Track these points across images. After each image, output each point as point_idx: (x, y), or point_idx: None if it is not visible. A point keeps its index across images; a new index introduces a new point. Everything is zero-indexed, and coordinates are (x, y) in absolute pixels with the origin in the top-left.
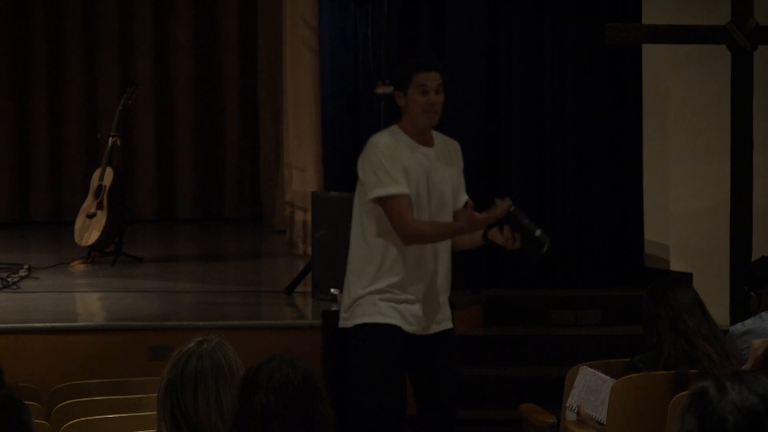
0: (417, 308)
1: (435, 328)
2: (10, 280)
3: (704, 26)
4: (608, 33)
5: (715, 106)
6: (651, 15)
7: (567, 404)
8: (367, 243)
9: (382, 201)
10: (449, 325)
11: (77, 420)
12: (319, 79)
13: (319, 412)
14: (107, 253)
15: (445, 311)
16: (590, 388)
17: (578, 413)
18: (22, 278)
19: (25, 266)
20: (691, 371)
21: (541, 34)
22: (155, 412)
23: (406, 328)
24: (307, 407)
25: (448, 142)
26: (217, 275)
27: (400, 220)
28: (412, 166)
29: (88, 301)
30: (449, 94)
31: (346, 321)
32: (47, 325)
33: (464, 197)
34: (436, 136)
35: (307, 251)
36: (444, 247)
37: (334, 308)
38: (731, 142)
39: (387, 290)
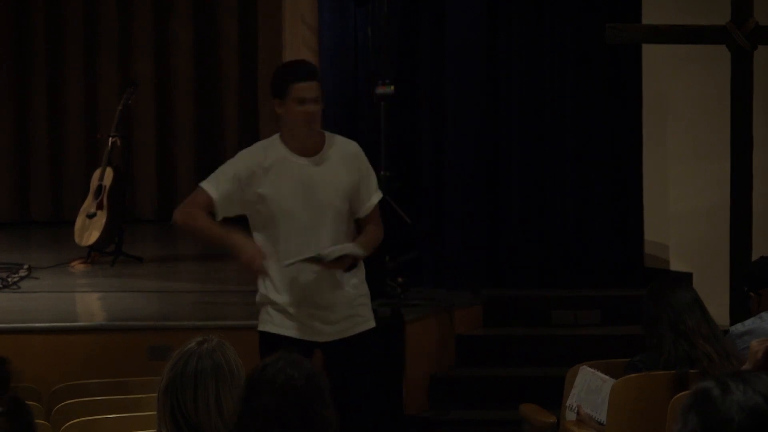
0: (296, 314)
1: (338, 334)
2: (10, 280)
3: (704, 26)
4: (608, 33)
5: (715, 106)
6: (651, 15)
7: (567, 404)
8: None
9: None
10: (359, 328)
11: (77, 420)
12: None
13: (321, 414)
14: (107, 253)
15: (348, 313)
16: (590, 388)
17: (578, 413)
18: (22, 278)
19: (25, 266)
20: (691, 371)
21: (541, 34)
22: (155, 412)
23: (291, 333)
24: (310, 408)
25: (345, 146)
26: (217, 275)
27: (182, 204)
28: (281, 178)
29: (88, 301)
30: (449, 94)
31: None
32: (47, 325)
33: (373, 201)
34: (332, 140)
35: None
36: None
37: None
38: (731, 142)
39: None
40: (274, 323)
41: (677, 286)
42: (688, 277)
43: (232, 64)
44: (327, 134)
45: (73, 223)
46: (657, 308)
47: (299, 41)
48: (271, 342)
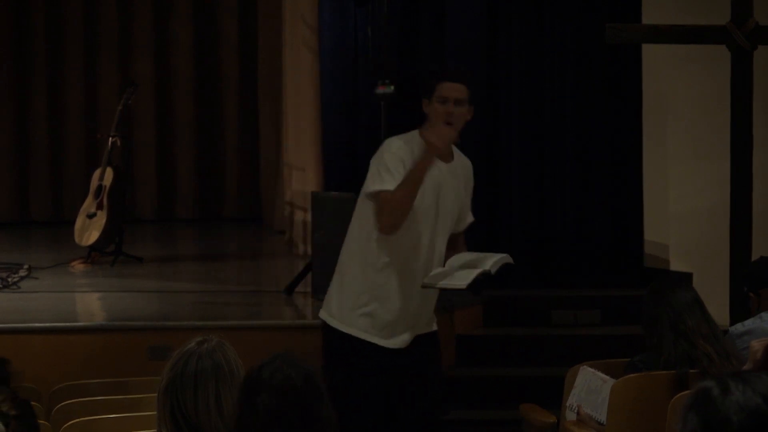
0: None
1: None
2: (10, 280)
3: (704, 26)
4: (608, 33)
5: (715, 106)
6: (651, 15)
7: (567, 404)
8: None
9: (375, 195)
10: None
11: (77, 420)
12: (319, 79)
13: (320, 413)
14: (107, 253)
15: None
16: (590, 388)
17: (578, 413)
18: (22, 278)
19: (25, 266)
20: (691, 371)
21: (541, 34)
22: (155, 412)
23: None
24: (308, 408)
25: (463, 160)
26: (217, 275)
27: (380, 215)
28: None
29: (88, 301)
30: None
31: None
32: (47, 325)
33: (470, 217)
34: (456, 153)
35: (307, 251)
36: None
37: None
38: (731, 142)
39: None
40: (368, 331)
41: (677, 286)
42: (688, 277)
43: (232, 64)
44: (452, 146)
45: (73, 223)
46: (657, 308)
47: (299, 41)
48: (355, 346)
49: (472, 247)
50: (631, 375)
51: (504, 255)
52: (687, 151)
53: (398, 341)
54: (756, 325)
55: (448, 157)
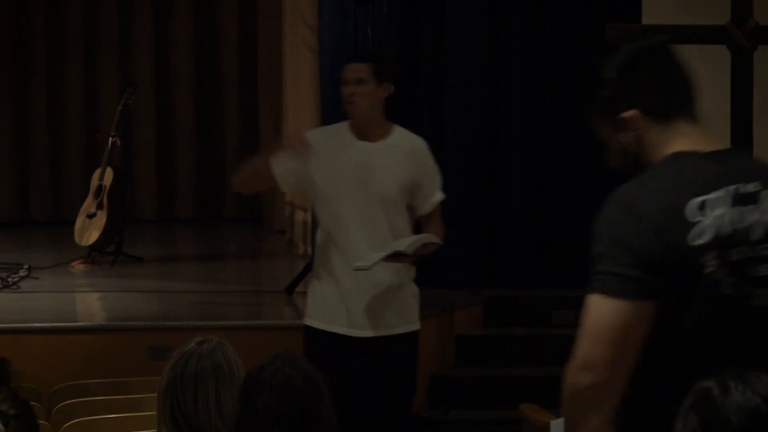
0: (348, 307)
1: (386, 331)
2: (10, 280)
3: (704, 26)
4: (608, 33)
5: (715, 106)
6: (651, 15)
7: None
8: None
9: None
10: (406, 328)
11: (77, 420)
12: (319, 79)
13: (320, 413)
14: (107, 253)
15: (398, 310)
16: None
17: None
18: (22, 278)
19: (25, 266)
20: None
21: (541, 34)
22: (155, 412)
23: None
24: (308, 408)
25: (412, 141)
26: (217, 275)
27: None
28: (339, 159)
29: (88, 301)
30: (449, 94)
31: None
32: (47, 325)
33: (435, 198)
34: (399, 133)
35: (307, 251)
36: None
37: None
38: (731, 142)
39: None
40: (324, 319)
41: None
42: None
43: (232, 64)
44: (397, 127)
45: (73, 223)
46: None
47: (299, 41)
48: (314, 338)
49: (472, 247)
50: None
51: (426, 235)
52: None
53: (343, 326)
54: None
55: (373, 136)
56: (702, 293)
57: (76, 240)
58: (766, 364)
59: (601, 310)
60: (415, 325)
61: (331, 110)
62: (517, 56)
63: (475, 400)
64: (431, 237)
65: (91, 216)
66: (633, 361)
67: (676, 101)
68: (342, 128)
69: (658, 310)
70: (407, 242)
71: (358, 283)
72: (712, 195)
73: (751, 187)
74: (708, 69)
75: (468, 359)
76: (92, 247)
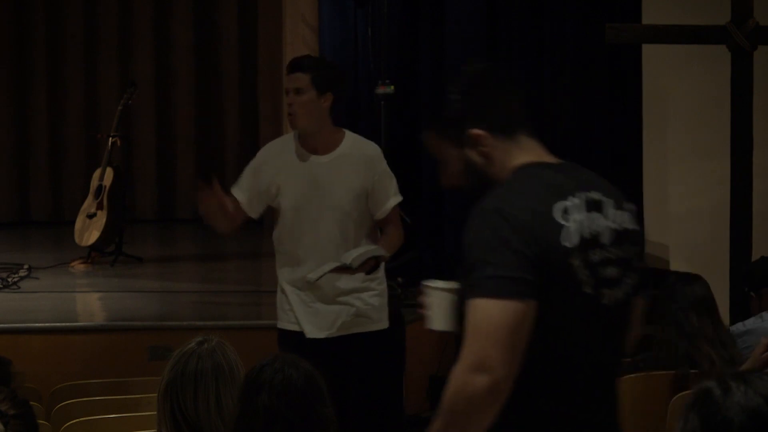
0: (309, 308)
1: (345, 330)
2: (10, 280)
3: (704, 26)
4: (608, 33)
5: (715, 106)
6: (651, 15)
7: None
8: None
9: None
10: (368, 328)
11: (77, 420)
12: None
13: (320, 413)
14: (107, 253)
15: (359, 309)
16: None
17: None
18: (22, 278)
19: (25, 266)
20: (692, 371)
21: (541, 34)
22: (155, 412)
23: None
24: (308, 408)
25: (362, 147)
26: (217, 275)
27: None
28: (288, 175)
29: (88, 301)
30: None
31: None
32: (47, 325)
33: (390, 203)
34: (351, 141)
35: None
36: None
37: None
38: (731, 142)
39: None
40: (287, 320)
41: (690, 284)
42: None
43: (232, 64)
44: (348, 134)
45: (73, 223)
46: (665, 304)
47: (299, 41)
48: (284, 339)
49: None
50: (631, 375)
51: (374, 248)
52: (687, 150)
53: (306, 326)
54: (756, 325)
55: (321, 148)
56: (570, 292)
57: (76, 240)
58: (615, 362)
59: (492, 312)
60: (380, 324)
61: (331, 110)
62: (517, 56)
63: None
64: (379, 250)
65: (91, 216)
66: (520, 361)
67: (517, 118)
68: (291, 141)
69: (537, 309)
70: (354, 255)
71: (315, 288)
72: (570, 201)
73: (595, 196)
74: (708, 69)
75: None
76: (92, 247)
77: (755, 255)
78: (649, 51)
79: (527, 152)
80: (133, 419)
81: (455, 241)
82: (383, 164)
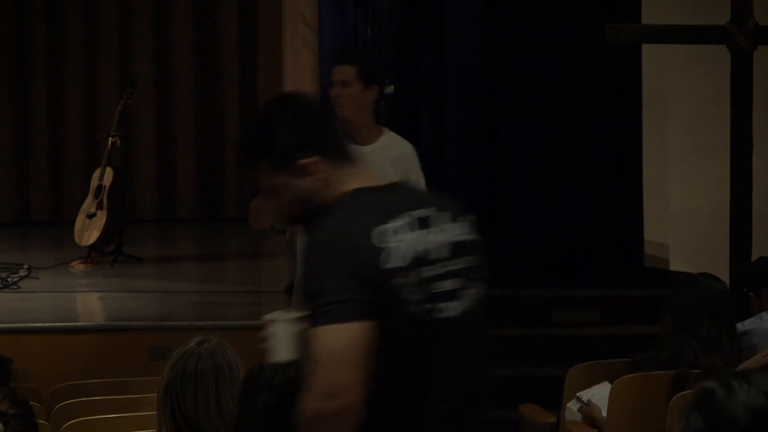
0: None
1: None
2: (10, 280)
3: (704, 26)
4: (608, 33)
5: (715, 106)
6: (651, 15)
7: (577, 395)
8: None
9: None
10: None
11: (77, 420)
12: (319, 79)
13: None
14: (107, 253)
15: None
16: (605, 397)
17: (588, 403)
18: (22, 278)
19: (25, 266)
20: (693, 371)
21: (541, 34)
22: (155, 412)
23: None
24: None
25: (400, 144)
26: (217, 275)
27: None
28: None
29: (88, 301)
30: (449, 94)
31: None
32: (47, 325)
33: None
34: (389, 137)
35: None
36: None
37: None
38: (731, 142)
39: None
40: None
41: (706, 286)
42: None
43: (232, 64)
44: (386, 130)
45: (73, 223)
46: (677, 303)
47: (299, 41)
48: None
49: None
50: (631, 375)
51: None
52: (687, 150)
53: None
54: (756, 325)
55: (362, 139)
56: (397, 312)
57: (76, 240)
58: (475, 372)
59: (337, 338)
60: None
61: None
62: (517, 56)
63: None
64: None
65: (91, 216)
66: (366, 382)
67: (343, 145)
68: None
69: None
70: None
71: None
72: (394, 223)
73: (424, 213)
74: (708, 69)
75: None
76: (92, 247)
77: (755, 255)
78: (649, 51)
79: (356, 177)
80: (133, 419)
81: None
82: (417, 164)
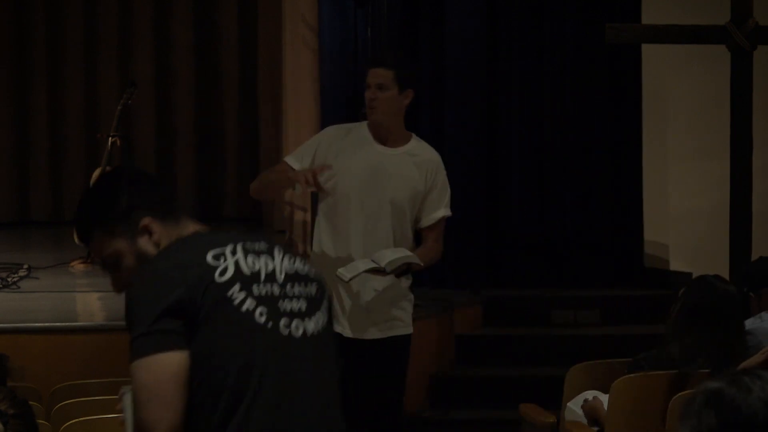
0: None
1: (379, 334)
2: (10, 280)
3: (704, 26)
4: (608, 33)
5: (715, 106)
6: (651, 15)
7: (583, 395)
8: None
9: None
10: (397, 332)
11: (77, 420)
12: (319, 79)
13: None
14: None
15: (391, 314)
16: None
17: (592, 398)
18: (22, 278)
19: (25, 266)
20: (699, 371)
21: (541, 34)
22: None
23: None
24: None
25: (428, 153)
26: None
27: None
28: (353, 158)
29: (88, 301)
30: (449, 94)
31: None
32: (47, 325)
33: (438, 213)
34: (417, 143)
35: (306, 251)
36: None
37: None
38: (731, 142)
39: None
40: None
41: (715, 285)
42: (687, 277)
43: (232, 64)
44: (414, 136)
45: (73, 223)
46: (685, 302)
47: (299, 41)
48: None
49: (472, 247)
50: (631, 375)
51: (411, 254)
52: (687, 150)
53: (337, 324)
54: (756, 325)
55: (391, 142)
56: (234, 321)
57: (76, 240)
58: (320, 390)
59: (150, 370)
60: (408, 329)
61: (331, 110)
62: (517, 56)
63: (475, 400)
64: (415, 257)
65: None
66: (180, 411)
67: (174, 205)
68: (361, 128)
69: (197, 352)
70: (389, 258)
71: (351, 285)
72: (228, 248)
73: (257, 246)
74: (708, 69)
75: (468, 359)
76: None
77: (755, 255)
78: (649, 51)
79: (192, 227)
80: None
81: (455, 241)
82: (443, 173)
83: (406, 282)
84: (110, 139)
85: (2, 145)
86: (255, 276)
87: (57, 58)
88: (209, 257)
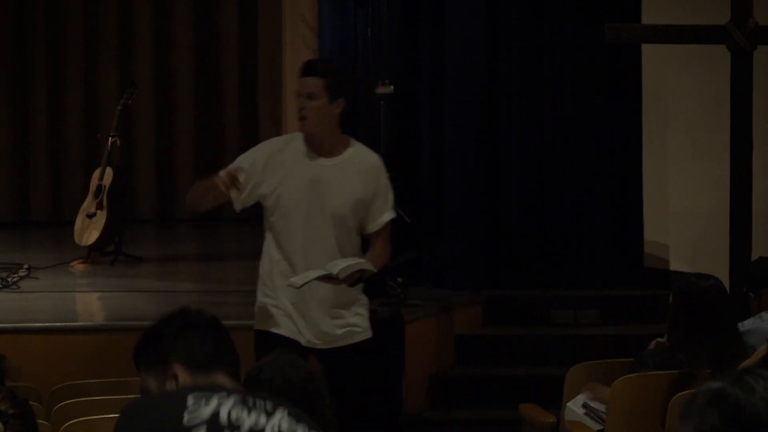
0: (295, 317)
1: (334, 343)
2: (10, 280)
3: (704, 26)
4: (608, 33)
5: (715, 106)
6: (651, 15)
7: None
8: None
9: None
10: (356, 339)
11: (77, 420)
12: None
13: (320, 413)
14: (107, 253)
15: (346, 322)
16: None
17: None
18: (22, 278)
19: (25, 266)
20: (700, 372)
21: (541, 34)
22: None
23: (288, 335)
24: (308, 408)
25: (366, 156)
26: (217, 275)
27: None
28: (292, 173)
29: (88, 301)
30: (449, 94)
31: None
32: (47, 325)
33: (384, 218)
34: (355, 150)
35: None
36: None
37: None
38: (731, 142)
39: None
40: (276, 324)
41: (710, 286)
42: (687, 277)
43: (232, 64)
44: (352, 141)
45: (73, 223)
46: (681, 306)
47: (299, 41)
48: (268, 342)
49: (472, 247)
50: (631, 375)
51: (362, 261)
52: (687, 150)
53: (294, 333)
54: (756, 325)
55: (326, 152)
56: None
57: (76, 240)
58: None
59: None
60: (367, 334)
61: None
62: (517, 56)
63: (475, 400)
64: (366, 264)
65: (90, 216)
66: None
67: (214, 359)
68: (297, 140)
69: None
70: (341, 266)
71: (302, 296)
72: (219, 395)
73: (265, 403)
74: (708, 69)
75: (468, 359)
76: (92, 247)
77: (755, 255)
78: (649, 51)
79: (219, 383)
80: None
81: (455, 241)
82: (385, 176)
83: (357, 288)
84: (110, 139)
85: (2, 145)
86: (230, 426)
87: (57, 58)
88: (189, 399)
